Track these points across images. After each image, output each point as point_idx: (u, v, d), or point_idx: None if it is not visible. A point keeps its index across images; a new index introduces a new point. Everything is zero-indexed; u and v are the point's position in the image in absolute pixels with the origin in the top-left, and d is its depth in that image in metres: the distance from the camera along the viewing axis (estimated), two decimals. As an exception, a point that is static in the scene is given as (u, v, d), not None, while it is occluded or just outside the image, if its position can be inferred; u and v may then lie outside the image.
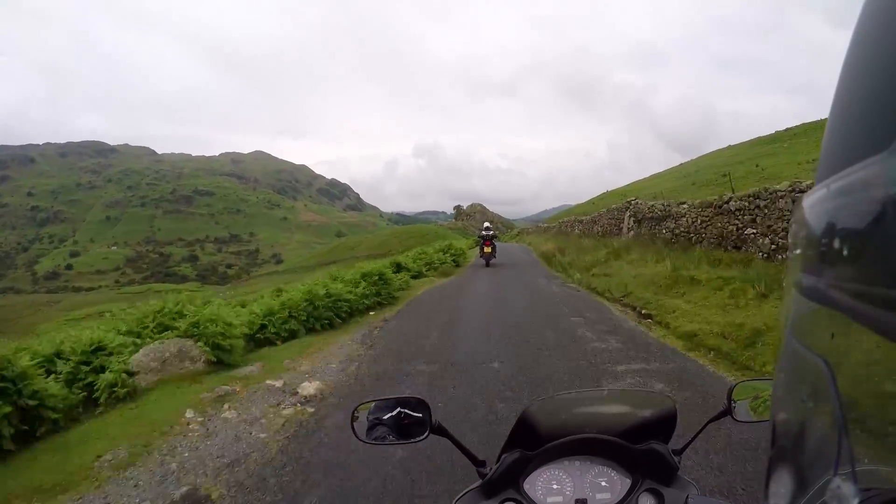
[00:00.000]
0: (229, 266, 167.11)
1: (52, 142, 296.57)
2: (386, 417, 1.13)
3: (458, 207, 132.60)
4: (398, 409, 1.12)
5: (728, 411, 1.17)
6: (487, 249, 17.49)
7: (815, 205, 0.39)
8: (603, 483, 1.08)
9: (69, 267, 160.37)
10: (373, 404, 1.16)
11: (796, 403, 0.42)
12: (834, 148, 0.39)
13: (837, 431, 0.34)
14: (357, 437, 1.11)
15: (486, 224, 18.55)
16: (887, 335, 0.28)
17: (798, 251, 0.41)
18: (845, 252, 0.33)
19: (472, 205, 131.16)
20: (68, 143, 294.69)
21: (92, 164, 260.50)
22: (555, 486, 1.08)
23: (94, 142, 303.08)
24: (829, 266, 0.35)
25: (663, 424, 1.12)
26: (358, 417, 1.13)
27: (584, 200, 60.33)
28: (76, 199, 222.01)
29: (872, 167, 0.30)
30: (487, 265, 17.41)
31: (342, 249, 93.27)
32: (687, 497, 0.99)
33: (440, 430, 1.11)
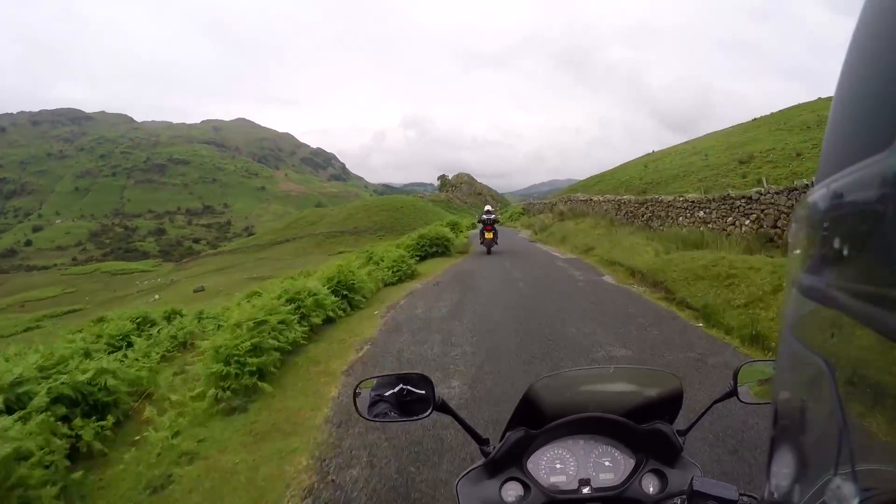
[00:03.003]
0: (196, 240, 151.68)
1: (27, 110, 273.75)
2: (388, 394, 1.06)
3: (442, 177, 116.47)
4: (400, 385, 1.06)
5: (734, 392, 1.12)
6: (489, 235, 14.53)
7: (815, 204, 0.38)
8: (607, 463, 1.05)
9: (28, 243, 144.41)
10: (375, 381, 1.09)
11: (796, 403, 0.41)
12: (835, 147, 0.38)
13: (837, 431, 0.33)
14: (359, 413, 1.05)
15: (488, 207, 15.48)
16: (887, 335, 0.27)
17: (798, 251, 0.40)
18: (845, 252, 0.32)
19: (458, 175, 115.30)
20: (42, 110, 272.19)
21: (65, 132, 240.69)
22: (558, 466, 1.04)
23: (69, 109, 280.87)
24: (829, 266, 0.34)
25: (668, 404, 1.08)
26: (360, 394, 1.06)
27: (593, 173, 45.26)
28: (46, 170, 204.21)
29: (873, 167, 0.29)
30: (489, 252, 14.45)
31: (302, 224, 78.35)
32: (692, 478, 0.93)
33: (444, 408, 1.06)
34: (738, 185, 15.35)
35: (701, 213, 11.67)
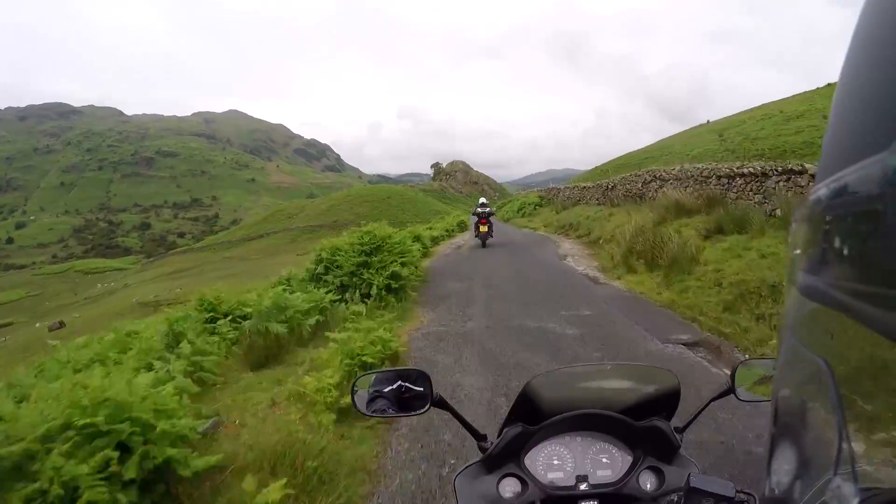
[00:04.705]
0: (181, 234, 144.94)
1: (14, 105, 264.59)
2: (386, 390, 1.05)
3: (436, 165, 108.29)
4: (398, 381, 1.05)
5: (731, 390, 1.11)
6: (483, 228, 13.91)
7: (815, 204, 0.37)
8: (604, 459, 1.04)
9: (10, 240, 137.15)
10: (373, 377, 1.09)
11: (796, 403, 0.41)
12: (835, 147, 0.37)
13: (837, 431, 0.32)
14: (357, 409, 1.05)
15: (483, 200, 14.78)
16: (887, 335, 0.27)
17: (798, 251, 0.40)
18: (845, 252, 0.32)
19: (452, 163, 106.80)
20: (29, 105, 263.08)
21: (52, 126, 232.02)
22: (556, 462, 1.04)
23: (56, 103, 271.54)
24: (829, 266, 0.34)
25: (666, 401, 1.07)
26: (357, 391, 1.06)
27: (614, 157, 37.88)
28: (32, 165, 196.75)
29: (872, 167, 0.29)
30: (484, 245, 13.88)
31: (280, 218, 71.07)
32: (689, 475, 0.92)
33: (441, 404, 1.05)
34: None
35: None
